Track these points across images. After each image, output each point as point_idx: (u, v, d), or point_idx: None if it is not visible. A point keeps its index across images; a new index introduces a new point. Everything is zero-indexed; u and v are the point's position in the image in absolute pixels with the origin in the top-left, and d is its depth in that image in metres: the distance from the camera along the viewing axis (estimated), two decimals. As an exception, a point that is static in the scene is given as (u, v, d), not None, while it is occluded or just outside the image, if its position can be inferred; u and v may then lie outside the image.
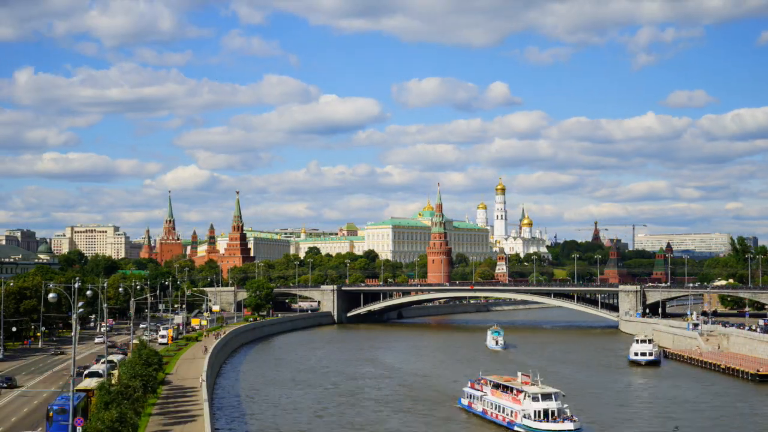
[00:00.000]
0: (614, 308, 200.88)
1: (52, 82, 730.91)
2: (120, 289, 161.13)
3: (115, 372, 78.72)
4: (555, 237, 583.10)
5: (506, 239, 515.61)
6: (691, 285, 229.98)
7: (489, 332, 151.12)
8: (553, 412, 71.23)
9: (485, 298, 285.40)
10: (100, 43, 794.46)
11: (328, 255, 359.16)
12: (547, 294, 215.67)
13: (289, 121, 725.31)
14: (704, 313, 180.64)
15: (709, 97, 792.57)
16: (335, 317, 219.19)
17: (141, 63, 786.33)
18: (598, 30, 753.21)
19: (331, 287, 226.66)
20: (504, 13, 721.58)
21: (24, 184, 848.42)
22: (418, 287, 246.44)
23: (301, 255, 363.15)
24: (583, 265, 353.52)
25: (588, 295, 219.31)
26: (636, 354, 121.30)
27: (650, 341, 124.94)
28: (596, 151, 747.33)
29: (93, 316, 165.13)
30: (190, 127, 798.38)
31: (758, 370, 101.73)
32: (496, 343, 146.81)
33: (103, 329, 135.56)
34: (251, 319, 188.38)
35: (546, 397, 72.55)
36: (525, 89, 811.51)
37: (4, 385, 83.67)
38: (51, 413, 58.57)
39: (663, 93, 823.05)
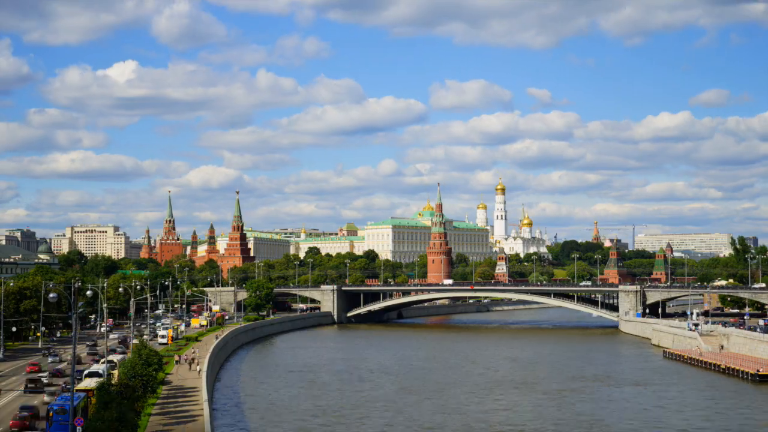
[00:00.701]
0: (614, 308, 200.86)
1: (102, 81, 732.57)
2: (120, 289, 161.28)
3: (115, 372, 78.82)
4: (555, 237, 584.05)
5: (506, 239, 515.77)
6: (691, 285, 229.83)
7: None
8: None
9: (485, 298, 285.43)
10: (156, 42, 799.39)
11: (328, 255, 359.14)
12: (547, 294, 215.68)
13: (324, 121, 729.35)
14: (704, 313, 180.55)
15: (738, 98, 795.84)
16: (335, 317, 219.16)
17: (204, 63, 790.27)
18: (643, 32, 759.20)
19: (331, 287, 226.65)
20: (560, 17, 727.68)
21: (45, 184, 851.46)
22: (418, 287, 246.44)
23: (301, 255, 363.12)
24: (583, 265, 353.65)
25: (588, 295, 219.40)
26: None
27: None
28: (621, 151, 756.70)
29: (93, 316, 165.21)
30: (226, 128, 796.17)
31: (758, 370, 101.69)
32: None
33: (103, 329, 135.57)
34: (252, 320, 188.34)
35: None
36: (563, 90, 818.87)
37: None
38: (51, 413, 58.57)
39: (692, 93, 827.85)
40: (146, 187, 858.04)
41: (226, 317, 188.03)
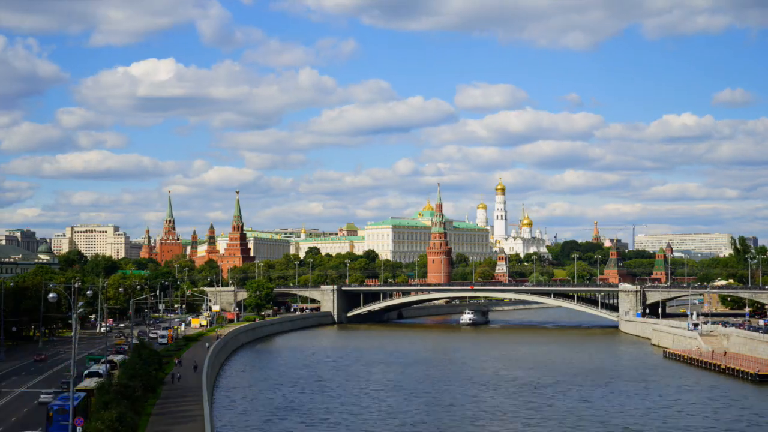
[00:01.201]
0: (614, 308, 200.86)
1: (137, 81, 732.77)
2: (120, 289, 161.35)
3: (116, 372, 78.86)
4: (555, 237, 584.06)
5: (506, 239, 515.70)
6: (691, 285, 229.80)
7: None
8: None
9: (485, 298, 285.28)
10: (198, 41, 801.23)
11: (328, 255, 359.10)
12: (547, 294, 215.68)
13: (347, 120, 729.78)
14: (704, 314, 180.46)
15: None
16: (335, 317, 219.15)
17: (246, 63, 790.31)
18: (678, 36, 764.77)
19: (331, 287, 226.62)
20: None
21: (62, 185, 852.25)
22: (418, 287, 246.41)
23: (301, 255, 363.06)
24: (583, 265, 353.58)
25: (588, 295, 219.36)
26: None
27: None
28: (639, 151, 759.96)
29: (93, 316, 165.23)
30: (250, 128, 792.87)
31: (758, 370, 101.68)
32: None
33: (103, 329, 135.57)
34: (252, 320, 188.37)
35: None
36: (592, 91, 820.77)
37: None
38: (51, 413, 58.56)
39: (711, 93, 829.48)
40: (158, 187, 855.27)
41: (229, 318, 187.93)
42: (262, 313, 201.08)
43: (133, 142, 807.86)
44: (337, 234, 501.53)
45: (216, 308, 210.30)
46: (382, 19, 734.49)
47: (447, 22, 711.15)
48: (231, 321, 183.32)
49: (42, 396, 73.40)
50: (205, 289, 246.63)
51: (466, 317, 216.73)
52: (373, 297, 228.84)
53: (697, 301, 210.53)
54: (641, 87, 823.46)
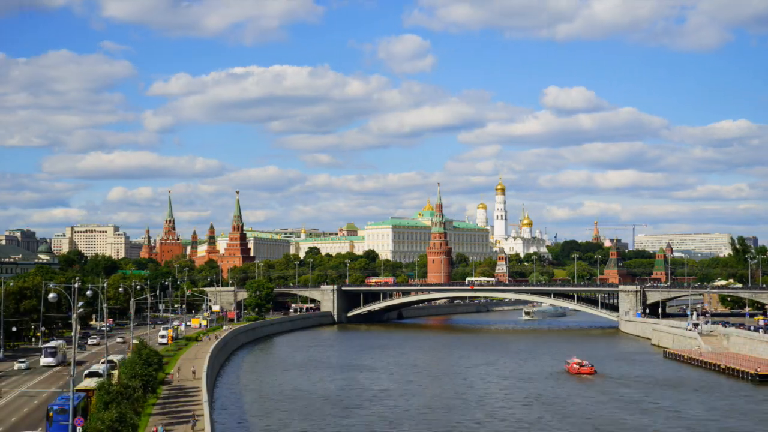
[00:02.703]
0: (614, 308, 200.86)
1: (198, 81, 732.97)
2: (120, 289, 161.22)
3: (115, 372, 78.77)
4: (555, 237, 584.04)
5: (506, 239, 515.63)
6: (691, 285, 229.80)
7: None
8: None
9: (485, 298, 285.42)
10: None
11: (328, 255, 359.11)
12: (547, 294, 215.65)
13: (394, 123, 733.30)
14: (704, 313, 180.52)
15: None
16: (335, 317, 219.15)
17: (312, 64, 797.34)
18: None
19: (331, 287, 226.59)
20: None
21: (108, 184, 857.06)
22: (418, 287, 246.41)
23: (301, 255, 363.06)
24: (583, 265, 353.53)
25: (588, 295, 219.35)
26: None
27: None
28: (697, 154, 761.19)
29: (93, 316, 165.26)
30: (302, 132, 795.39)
31: (758, 370, 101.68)
32: None
33: (103, 329, 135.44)
34: (252, 320, 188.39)
35: None
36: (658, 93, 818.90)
37: None
38: (51, 413, 58.54)
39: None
40: (194, 187, 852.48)
41: (230, 317, 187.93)
42: (262, 313, 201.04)
43: (203, 144, 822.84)
44: (337, 234, 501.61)
45: (216, 308, 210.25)
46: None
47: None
48: (231, 320, 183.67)
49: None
50: (205, 289, 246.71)
51: None
52: (373, 297, 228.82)
53: (697, 305, 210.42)
54: (714, 88, 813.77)
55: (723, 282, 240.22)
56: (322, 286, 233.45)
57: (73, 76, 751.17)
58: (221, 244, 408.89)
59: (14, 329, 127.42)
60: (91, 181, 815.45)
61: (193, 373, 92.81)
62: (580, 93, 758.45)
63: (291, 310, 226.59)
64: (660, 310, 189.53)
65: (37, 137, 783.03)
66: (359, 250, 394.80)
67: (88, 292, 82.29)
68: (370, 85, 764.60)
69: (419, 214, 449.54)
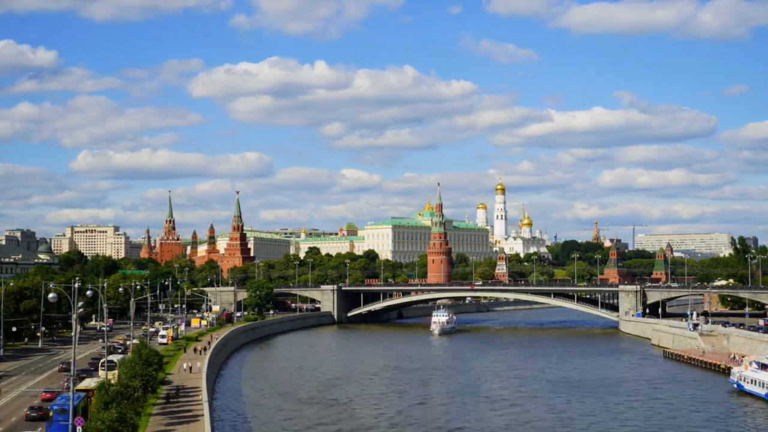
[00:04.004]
0: (614, 308, 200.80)
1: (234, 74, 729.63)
2: (120, 289, 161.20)
3: (115, 372, 78.83)
4: (555, 237, 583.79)
5: (506, 239, 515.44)
6: (691, 285, 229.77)
7: None
8: None
9: (485, 298, 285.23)
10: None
11: (328, 255, 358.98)
12: (547, 294, 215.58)
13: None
14: (704, 313, 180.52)
15: None
16: (335, 317, 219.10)
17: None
18: None
19: (331, 287, 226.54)
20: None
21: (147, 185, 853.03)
22: (418, 287, 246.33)
23: (301, 255, 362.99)
24: (583, 265, 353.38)
25: (588, 295, 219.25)
26: None
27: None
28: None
29: (93, 316, 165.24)
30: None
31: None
32: None
33: (103, 329, 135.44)
34: (252, 320, 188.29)
35: None
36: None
37: None
38: (51, 413, 58.55)
39: None
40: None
41: (225, 317, 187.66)
42: (262, 313, 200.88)
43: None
44: (337, 234, 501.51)
45: (216, 308, 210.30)
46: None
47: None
48: (228, 321, 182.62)
49: None
50: (205, 289, 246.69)
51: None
52: (373, 297, 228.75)
53: (698, 305, 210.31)
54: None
55: (723, 282, 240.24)
56: (322, 286, 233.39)
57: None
58: (221, 244, 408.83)
59: (14, 329, 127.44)
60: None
61: (190, 369, 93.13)
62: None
63: (295, 311, 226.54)
64: (660, 310, 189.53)
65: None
66: (359, 250, 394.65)
67: (88, 292, 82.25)
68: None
69: (419, 214, 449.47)
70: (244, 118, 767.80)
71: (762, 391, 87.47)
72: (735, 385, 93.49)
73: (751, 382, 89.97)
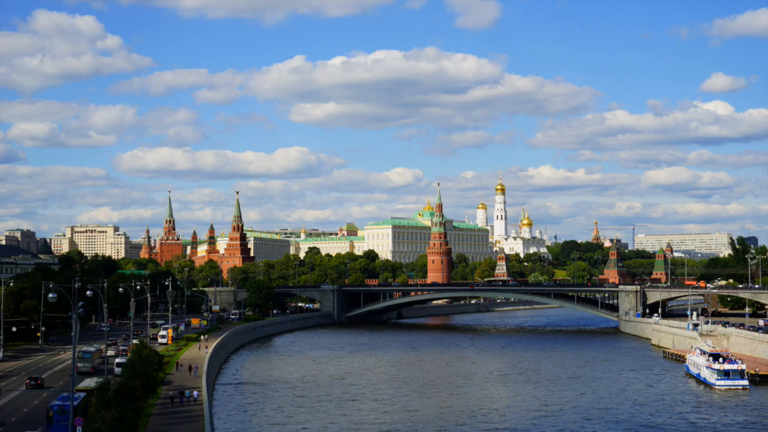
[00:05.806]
0: (614, 308, 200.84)
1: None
2: (120, 290, 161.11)
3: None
4: (555, 237, 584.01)
5: (506, 239, 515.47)
6: (691, 285, 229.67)
7: None
8: None
9: (485, 298, 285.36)
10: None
11: (328, 255, 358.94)
12: (547, 294, 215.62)
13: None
14: (704, 313, 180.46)
15: None
16: (335, 317, 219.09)
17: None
18: None
19: (331, 287, 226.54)
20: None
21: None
22: (418, 287, 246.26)
23: (301, 255, 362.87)
24: (583, 265, 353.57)
25: (588, 296, 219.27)
26: None
27: None
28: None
29: (93, 316, 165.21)
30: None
31: (757, 371, 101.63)
32: None
33: (104, 328, 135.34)
34: (253, 320, 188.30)
35: None
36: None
37: None
38: (51, 413, 58.53)
39: None
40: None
41: (226, 316, 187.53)
42: (270, 312, 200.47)
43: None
44: (336, 234, 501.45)
45: (216, 308, 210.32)
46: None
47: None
48: (225, 320, 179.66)
49: None
50: (205, 289, 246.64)
51: None
52: (373, 297, 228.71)
53: (698, 305, 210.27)
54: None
55: (723, 282, 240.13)
56: (322, 286, 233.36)
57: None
58: (221, 245, 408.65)
59: (14, 329, 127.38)
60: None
61: (190, 369, 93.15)
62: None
63: (295, 311, 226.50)
64: (660, 310, 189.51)
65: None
66: (359, 251, 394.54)
67: (88, 292, 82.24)
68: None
69: (419, 214, 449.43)
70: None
71: (695, 371, 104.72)
72: (685, 369, 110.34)
73: (693, 366, 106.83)
